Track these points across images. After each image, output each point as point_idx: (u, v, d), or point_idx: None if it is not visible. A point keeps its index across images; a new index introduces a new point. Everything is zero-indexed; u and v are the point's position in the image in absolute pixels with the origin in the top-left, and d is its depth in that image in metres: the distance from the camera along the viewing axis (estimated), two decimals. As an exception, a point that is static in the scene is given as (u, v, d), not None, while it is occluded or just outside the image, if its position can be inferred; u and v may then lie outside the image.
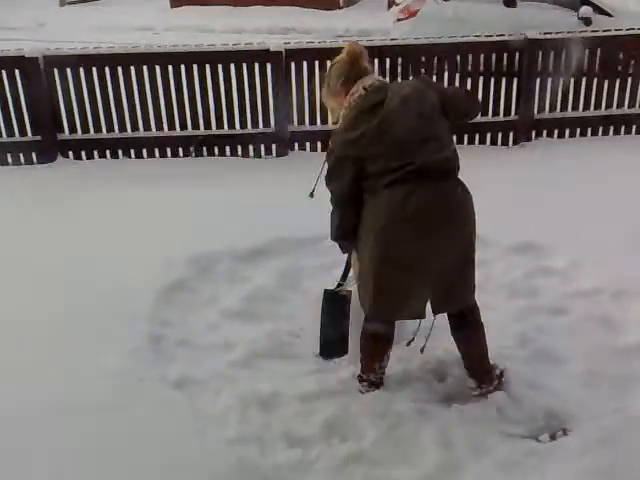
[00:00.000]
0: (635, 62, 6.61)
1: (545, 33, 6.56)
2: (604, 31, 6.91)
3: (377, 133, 2.68)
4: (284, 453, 2.80)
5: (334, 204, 2.91)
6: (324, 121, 6.43)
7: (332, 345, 3.42)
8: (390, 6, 13.88)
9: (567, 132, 6.73)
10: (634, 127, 6.76)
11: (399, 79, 6.36)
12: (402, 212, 2.68)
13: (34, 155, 6.36)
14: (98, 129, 6.38)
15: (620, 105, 6.68)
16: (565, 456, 2.74)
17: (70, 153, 6.43)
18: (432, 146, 2.69)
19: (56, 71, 6.14)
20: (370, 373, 3.12)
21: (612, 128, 6.77)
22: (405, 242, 2.73)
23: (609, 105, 6.69)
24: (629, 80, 6.66)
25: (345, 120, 2.78)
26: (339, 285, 3.47)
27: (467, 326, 3.01)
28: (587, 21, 9.21)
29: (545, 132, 6.73)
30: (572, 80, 6.57)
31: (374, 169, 2.71)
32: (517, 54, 6.43)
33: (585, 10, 9.28)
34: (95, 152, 6.45)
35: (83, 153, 6.45)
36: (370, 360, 3.10)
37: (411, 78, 2.89)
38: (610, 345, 3.39)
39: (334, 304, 3.42)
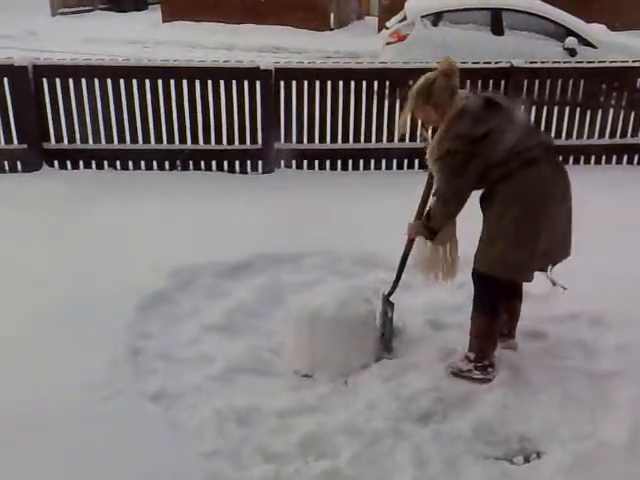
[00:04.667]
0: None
1: (531, 62, 6.69)
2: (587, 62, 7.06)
3: (508, 122, 3.07)
4: (259, 468, 2.79)
5: (453, 198, 3.18)
6: (310, 139, 6.50)
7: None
8: (380, 29, 14.05)
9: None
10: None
11: (386, 101, 6.47)
12: (553, 184, 3.12)
13: (19, 163, 6.34)
14: (85, 139, 6.38)
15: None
16: (538, 479, 2.77)
17: (55, 162, 6.42)
18: (541, 131, 3.22)
19: (45, 81, 6.15)
20: (493, 352, 3.38)
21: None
22: (552, 206, 3.11)
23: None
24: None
25: (462, 123, 3.07)
26: (390, 293, 3.66)
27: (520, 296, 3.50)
28: (572, 52, 9.39)
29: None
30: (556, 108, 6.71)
31: (505, 156, 3.06)
32: (502, 81, 6.54)
33: (570, 41, 9.46)
34: (81, 162, 6.44)
35: (69, 163, 6.44)
36: (495, 337, 3.37)
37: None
38: (584, 370, 3.44)
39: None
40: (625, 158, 6.95)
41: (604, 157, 6.91)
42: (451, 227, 3.36)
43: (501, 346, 3.50)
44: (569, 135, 6.79)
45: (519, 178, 3.08)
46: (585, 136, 6.81)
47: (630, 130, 6.85)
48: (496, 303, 3.32)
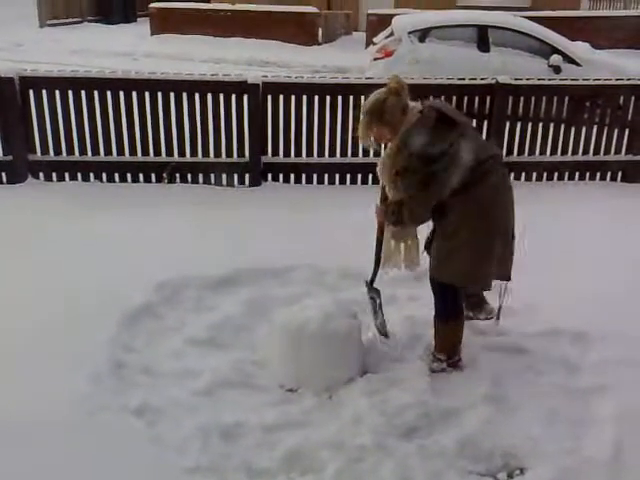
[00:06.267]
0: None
1: (516, 79, 6.76)
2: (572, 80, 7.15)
3: (463, 138, 3.12)
4: (243, 484, 2.78)
5: (418, 209, 3.23)
6: (297, 153, 6.52)
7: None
8: (368, 45, 14.14)
9: (534, 175, 6.90)
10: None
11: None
12: (503, 193, 3.26)
13: (4, 175, 6.30)
14: (71, 151, 6.35)
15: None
16: (521, 495, 2.78)
17: (41, 174, 6.39)
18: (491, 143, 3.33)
19: (31, 92, 6.14)
20: (459, 349, 3.50)
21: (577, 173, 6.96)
22: (503, 217, 3.27)
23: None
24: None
25: (416, 141, 3.08)
26: (372, 280, 3.77)
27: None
28: (557, 69, 9.49)
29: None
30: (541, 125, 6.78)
31: (462, 170, 3.11)
32: (488, 98, 6.60)
33: (555, 58, 9.57)
34: (66, 174, 6.41)
35: (54, 175, 6.40)
36: (460, 335, 3.47)
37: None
38: (568, 386, 3.45)
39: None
40: (608, 175, 7.01)
41: (588, 173, 6.97)
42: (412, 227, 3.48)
43: (482, 316, 3.77)
44: (553, 151, 6.85)
45: (472, 194, 3.15)
46: (570, 152, 6.88)
47: (614, 146, 6.92)
48: (458, 305, 3.43)
